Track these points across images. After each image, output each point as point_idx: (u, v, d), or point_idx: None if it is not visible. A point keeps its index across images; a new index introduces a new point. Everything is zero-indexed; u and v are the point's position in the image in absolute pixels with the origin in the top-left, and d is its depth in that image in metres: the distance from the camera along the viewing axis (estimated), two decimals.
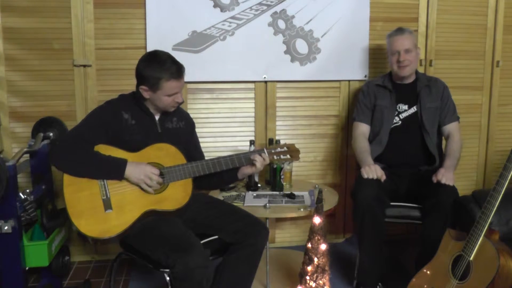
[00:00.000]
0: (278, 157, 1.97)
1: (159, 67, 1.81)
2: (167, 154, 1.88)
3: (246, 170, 1.98)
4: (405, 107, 2.40)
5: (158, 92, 1.84)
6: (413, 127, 2.38)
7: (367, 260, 2.20)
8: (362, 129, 2.46)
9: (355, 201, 2.17)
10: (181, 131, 2.02)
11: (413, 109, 2.39)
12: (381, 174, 2.18)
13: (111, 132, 1.84)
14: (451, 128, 2.39)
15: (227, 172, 1.99)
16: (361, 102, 2.50)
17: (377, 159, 2.38)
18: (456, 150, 2.31)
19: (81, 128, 1.85)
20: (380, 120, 2.41)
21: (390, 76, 2.48)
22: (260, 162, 1.92)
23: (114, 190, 1.78)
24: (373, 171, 2.18)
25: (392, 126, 2.40)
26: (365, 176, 2.18)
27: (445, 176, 2.13)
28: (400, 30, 2.39)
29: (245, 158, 1.94)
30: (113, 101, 1.93)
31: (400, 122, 2.40)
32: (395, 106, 2.40)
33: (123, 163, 1.78)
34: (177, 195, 1.86)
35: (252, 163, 1.93)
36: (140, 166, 1.79)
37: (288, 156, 1.98)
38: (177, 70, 1.84)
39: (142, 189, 1.81)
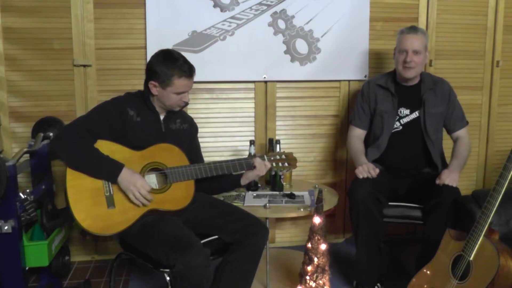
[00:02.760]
0: (276, 164, 2.04)
1: (172, 64, 1.85)
2: (171, 154, 1.89)
3: (249, 175, 2.01)
4: (407, 111, 2.33)
5: (167, 89, 1.86)
6: (414, 133, 2.32)
7: (364, 260, 2.19)
8: (357, 133, 2.46)
9: (350, 200, 2.18)
10: (183, 133, 2.03)
11: (415, 114, 2.32)
12: (374, 172, 2.17)
13: (115, 127, 1.84)
14: (460, 133, 2.36)
15: (229, 178, 2.02)
16: (359, 105, 2.45)
17: (375, 162, 2.36)
18: (464, 151, 2.28)
19: (85, 119, 1.85)
20: (380, 126, 2.36)
21: (394, 76, 2.40)
22: (259, 164, 1.96)
23: (117, 188, 1.78)
24: (366, 170, 2.18)
25: (392, 131, 2.34)
26: (360, 176, 2.18)
27: (449, 178, 2.10)
28: (413, 29, 2.28)
29: (247, 164, 1.98)
30: (119, 98, 1.94)
31: (400, 127, 2.34)
32: (396, 111, 2.34)
33: (119, 167, 1.77)
34: (179, 195, 1.87)
35: (253, 167, 1.97)
36: (134, 176, 1.78)
37: (286, 164, 2.04)
38: (189, 69, 1.88)
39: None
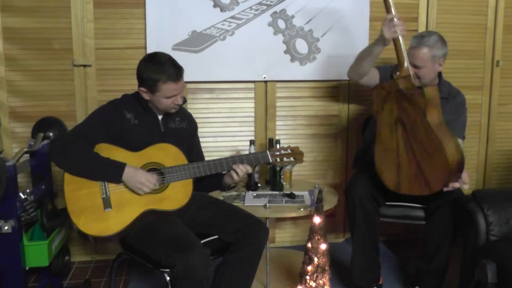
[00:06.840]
0: (281, 159, 1.96)
1: (157, 69, 1.80)
2: (168, 154, 1.88)
3: (227, 181, 1.97)
4: None
5: (156, 94, 1.84)
6: None
7: (360, 260, 2.18)
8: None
9: (347, 199, 2.17)
10: (183, 131, 2.02)
11: None
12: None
13: (113, 132, 1.84)
14: None
15: (213, 178, 1.98)
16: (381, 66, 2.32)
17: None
18: None
19: (82, 126, 1.85)
20: None
21: None
22: (241, 172, 1.89)
23: (114, 189, 1.79)
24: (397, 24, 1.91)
25: None
26: (397, 32, 1.93)
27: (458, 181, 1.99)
28: (418, 41, 2.17)
29: (247, 160, 1.95)
30: (116, 101, 1.93)
31: None
32: None
33: (121, 166, 1.77)
34: (177, 195, 1.86)
35: (233, 170, 1.89)
36: (138, 173, 1.78)
37: (292, 158, 1.96)
38: (176, 72, 1.82)
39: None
